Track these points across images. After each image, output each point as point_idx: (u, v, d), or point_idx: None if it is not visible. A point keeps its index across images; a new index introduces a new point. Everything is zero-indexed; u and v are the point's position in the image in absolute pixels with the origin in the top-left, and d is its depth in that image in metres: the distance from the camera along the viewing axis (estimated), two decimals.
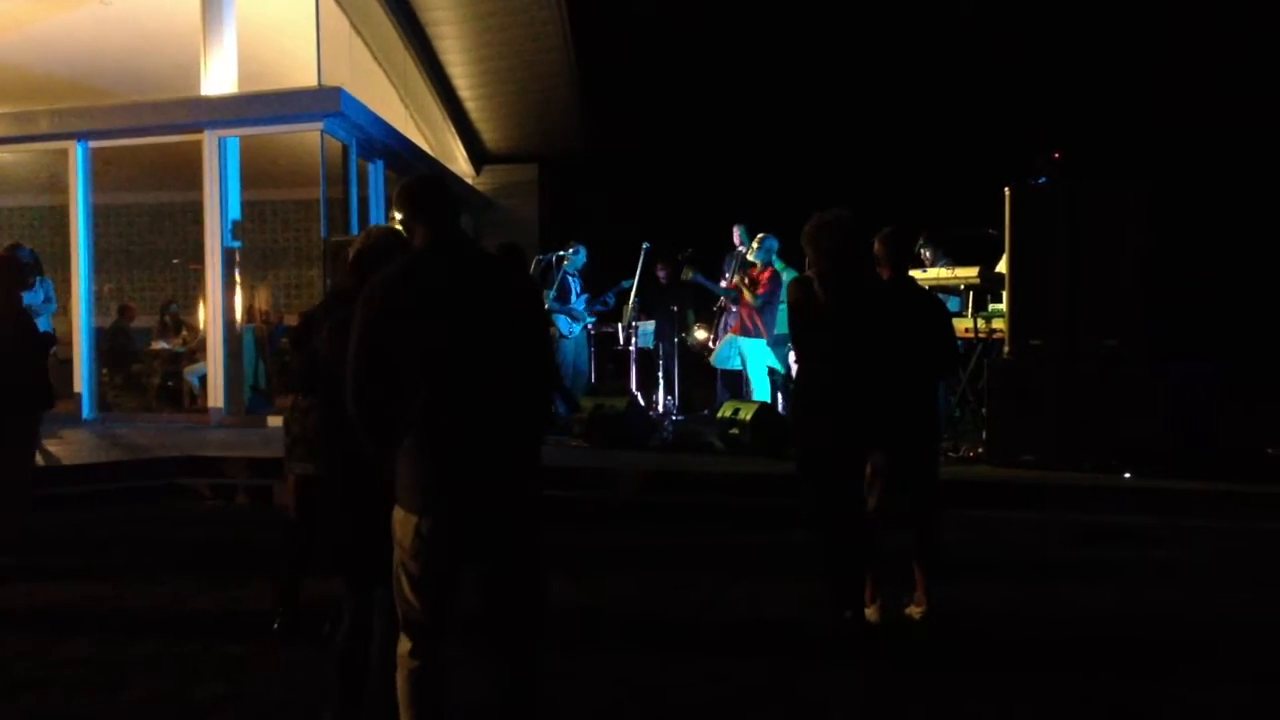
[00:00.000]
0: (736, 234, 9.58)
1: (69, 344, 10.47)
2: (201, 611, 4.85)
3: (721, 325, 9.45)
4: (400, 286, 2.70)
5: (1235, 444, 7.56)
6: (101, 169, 11.06)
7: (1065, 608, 4.77)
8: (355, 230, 10.59)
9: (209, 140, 10.27)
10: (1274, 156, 14.84)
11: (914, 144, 17.02)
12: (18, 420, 5.70)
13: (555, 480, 6.74)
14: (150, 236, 15.22)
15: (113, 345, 12.01)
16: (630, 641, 4.34)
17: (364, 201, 11.37)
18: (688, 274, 9.41)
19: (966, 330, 7.57)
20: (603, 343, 10.23)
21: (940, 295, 6.52)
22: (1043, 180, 7.25)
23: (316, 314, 3.76)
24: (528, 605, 2.80)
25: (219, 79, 10.37)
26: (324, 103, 10.10)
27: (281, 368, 11.01)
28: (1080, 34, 17.31)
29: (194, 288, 13.37)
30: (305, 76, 10.40)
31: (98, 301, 11.43)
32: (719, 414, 8.18)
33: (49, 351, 6.13)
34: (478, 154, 15.73)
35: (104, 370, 11.57)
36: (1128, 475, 6.60)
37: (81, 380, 10.68)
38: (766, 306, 8.66)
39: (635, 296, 9.46)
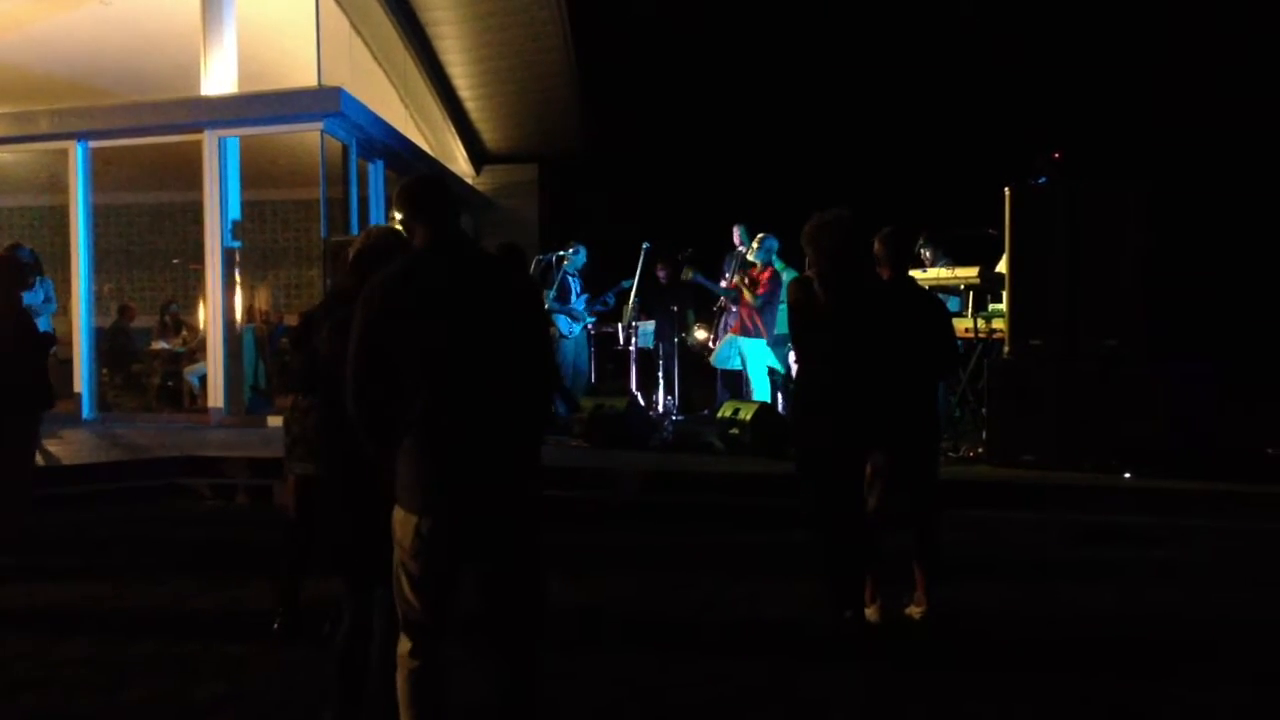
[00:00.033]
0: (736, 234, 9.58)
1: (69, 344, 10.47)
2: (201, 611, 4.85)
3: (721, 325, 9.45)
4: (400, 286, 2.69)
5: (1235, 444, 7.57)
6: (101, 169, 11.06)
7: (1065, 608, 4.77)
8: (355, 230, 10.59)
9: (209, 140, 10.27)
10: (1274, 156, 14.84)
11: (914, 144, 17.02)
12: (18, 420, 5.70)
13: (555, 480, 6.74)
14: (150, 236, 15.22)
15: (113, 345, 12.01)
16: (630, 641, 4.34)
17: (364, 201, 11.37)
18: (688, 274, 9.41)
19: (966, 330, 7.56)
20: (603, 343, 10.23)
21: (940, 295, 6.52)
22: (1043, 180, 7.25)
23: (316, 314, 3.76)
24: (528, 605, 2.80)
25: (219, 79, 10.37)
26: (324, 103, 10.10)
27: (281, 368, 11.01)
28: (1080, 34, 17.32)
29: (194, 288, 13.37)
30: (305, 76, 10.40)
31: (98, 301, 11.44)
32: (719, 414, 8.18)
33: (49, 351, 6.12)
34: (478, 154, 15.74)
35: (104, 370, 11.57)
36: (1128, 475, 6.60)
37: (81, 380, 10.68)
38: (766, 306, 8.66)
39: (635, 296, 9.46)
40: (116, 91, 11.55)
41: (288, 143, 11.25)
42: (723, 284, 9.39)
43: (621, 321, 9.61)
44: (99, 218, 11.29)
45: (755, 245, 8.83)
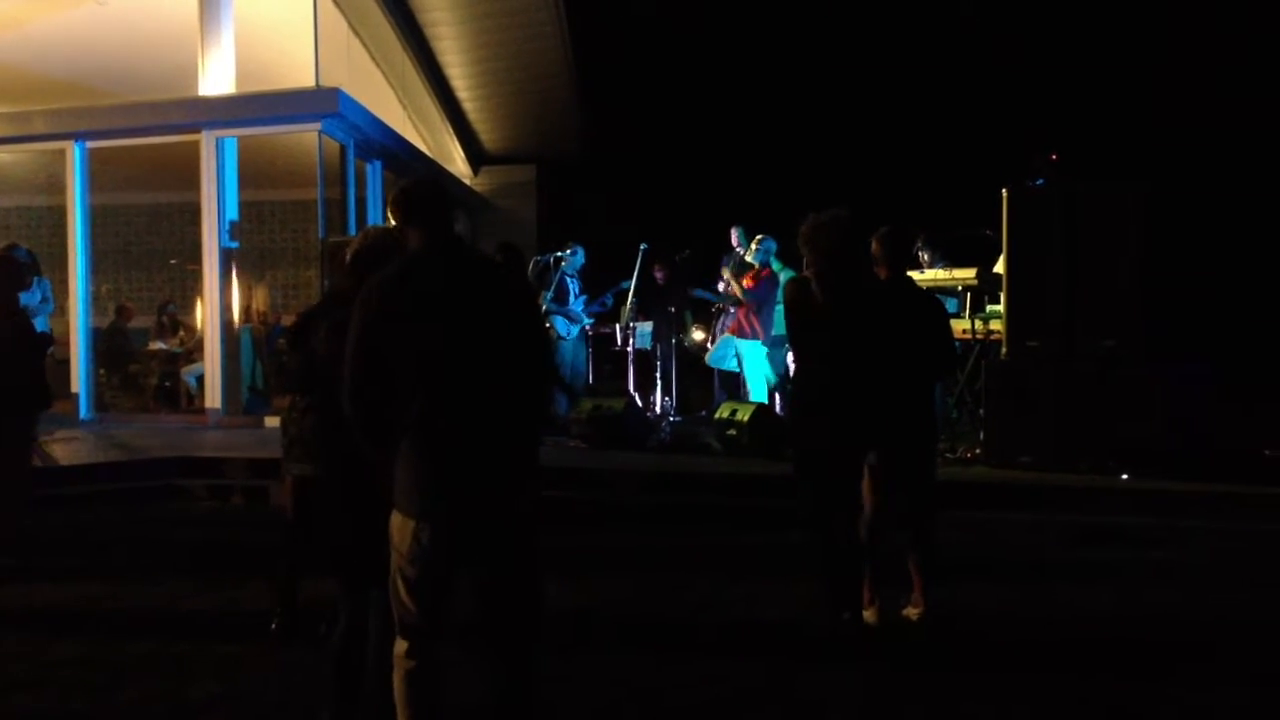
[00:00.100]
0: (734, 236, 9.59)
1: (66, 344, 10.46)
2: (198, 612, 4.84)
3: (719, 326, 9.45)
4: (397, 289, 2.69)
5: (1233, 445, 7.57)
6: (99, 169, 11.04)
7: (1063, 609, 4.77)
8: (353, 231, 10.57)
9: (207, 141, 10.26)
10: (1273, 157, 14.85)
11: (913, 145, 17.03)
12: (15, 421, 5.69)
13: (553, 481, 6.72)
14: (148, 237, 15.20)
15: (110, 346, 11.99)
16: (627, 642, 4.33)
17: (361, 202, 11.37)
18: (691, 290, 9.51)
19: (964, 331, 7.57)
20: (600, 344, 10.23)
21: (938, 296, 6.51)
22: (1040, 182, 7.25)
23: (313, 314, 3.75)
24: (525, 608, 2.80)
25: (217, 79, 10.37)
26: (322, 103, 10.09)
27: (279, 368, 10.97)
28: (1079, 34, 17.34)
29: (191, 288, 13.35)
30: (303, 77, 10.39)
31: (95, 302, 11.43)
32: (716, 415, 8.18)
33: (46, 352, 6.11)
34: (476, 155, 15.73)
35: (101, 371, 11.55)
36: (1125, 476, 6.60)
37: (79, 381, 10.67)
38: (763, 307, 8.66)
39: (633, 297, 9.46)
40: (114, 92, 11.53)
41: (285, 143, 11.24)
42: (720, 285, 9.39)
43: (619, 322, 9.62)
44: (96, 218, 11.28)
45: (754, 247, 8.84)
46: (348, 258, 3.38)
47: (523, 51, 13.36)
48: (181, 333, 12.47)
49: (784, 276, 8.29)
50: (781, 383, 8.76)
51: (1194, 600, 4.87)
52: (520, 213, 15.60)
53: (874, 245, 4.44)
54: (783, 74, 18.81)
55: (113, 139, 10.82)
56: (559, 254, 9.51)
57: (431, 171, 13.04)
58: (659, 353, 9.76)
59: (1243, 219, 14.68)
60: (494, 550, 2.71)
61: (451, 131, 14.87)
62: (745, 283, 8.69)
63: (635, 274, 9.40)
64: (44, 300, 8.61)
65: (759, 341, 8.71)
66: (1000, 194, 7.11)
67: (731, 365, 9.14)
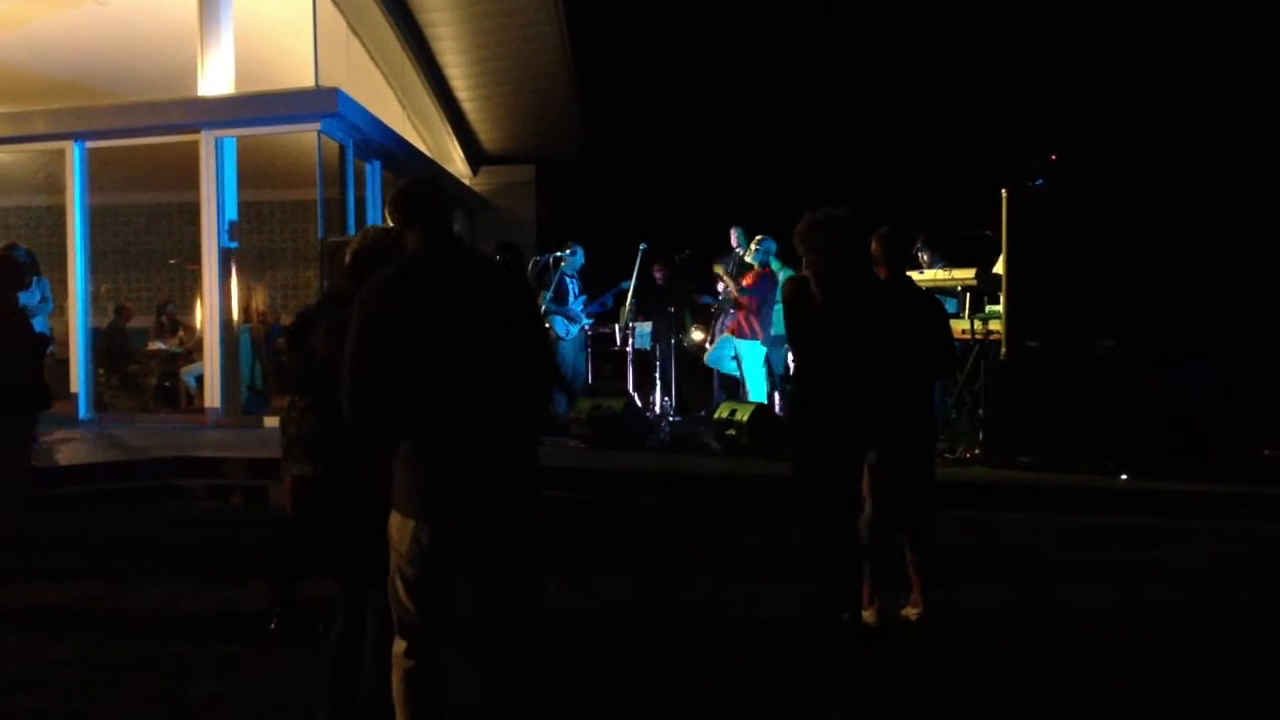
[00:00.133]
0: (734, 236, 9.58)
1: (65, 344, 10.46)
2: (197, 612, 4.84)
3: (718, 326, 9.45)
4: (396, 290, 2.69)
5: (1232, 445, 7.57)
6: (99, 169, 11.04)
7: (1062, 609, 4.77)
8: (352, 231, 10.57)
9: (206, 141, 10.26)
10: (1273, 157, 14.85)
11: (912, 145, 17.03)
12: (14, 421, 5.69)
13: (552, 481, 6.71)
14: (147, 237, 15.20)
15: (109, 346, 11.99)
16: (627, 643, 4.33)
17: (361, 202, 11.37)
18: (697, 297, 9.54)
19: (964, 332, 7.57)
20: (600, 344, 10.23)
21: (938, 297, 6.51)
22: (1040, 182, 7.25)
23: (312, 313, 3.74)
24: (524, 609, 2.80)
25: (216, 79, 10.36)
26: (321, 103, 10.09)
27: (278, 368, 10.98)
28: (1079, 34, 17.33)
29: (191, 288, 13.36)
30: (302, 77, 10.39)
31: (94, 302, 11.42)
32: (716, 415, 8.18)
33: (45, 352, 6.11)
34: (475, 155, 15.73)
35: (100, 370, 11.54)
36: (1124, 476, 6.60)
37: (78, 380, 10.66)
38: (763, 307, 8.66)
39: (632, 298, 9.47)
40: (113, 92, 11.54)
41: (285, 143, 11.24)
42: (720, 286, 9.39)
43: (618, 322, 9.62)
44: (96, 218, 11.28)
45: (753, 247, 8.84)
46: (347, 258, 3.37)
47: (522, 51, 13.36)
48: (181, 333, 12.46)
49: (783, 276, 8.29)
50: (781, 382, 8.77)
51: (1194, 600, 4.87)
52: (520, 213, 15.60)
53: (874, 245, 4.45)
54: (782, 74, 18.81)
55: (112, 139, 10.81)
56: (558, 254, 9.51)
57: (431, 171, 13.05)
58: (658, 353, 9.76)
59: (1242, 219, 14.68)
60: (493, 550, 2.71)
61: (451, 131, 14.87)
62: (745, 282, 8.69)
63: (635, 274, 9.40)
64: (43, 300, 8.61)
65: (758, 341, 8.71)
66: (1000, 194, 7.11)
67: (730, 367, 9.14)
